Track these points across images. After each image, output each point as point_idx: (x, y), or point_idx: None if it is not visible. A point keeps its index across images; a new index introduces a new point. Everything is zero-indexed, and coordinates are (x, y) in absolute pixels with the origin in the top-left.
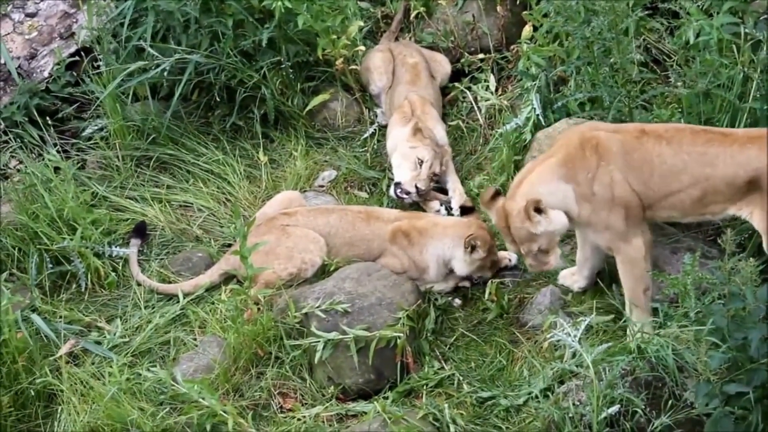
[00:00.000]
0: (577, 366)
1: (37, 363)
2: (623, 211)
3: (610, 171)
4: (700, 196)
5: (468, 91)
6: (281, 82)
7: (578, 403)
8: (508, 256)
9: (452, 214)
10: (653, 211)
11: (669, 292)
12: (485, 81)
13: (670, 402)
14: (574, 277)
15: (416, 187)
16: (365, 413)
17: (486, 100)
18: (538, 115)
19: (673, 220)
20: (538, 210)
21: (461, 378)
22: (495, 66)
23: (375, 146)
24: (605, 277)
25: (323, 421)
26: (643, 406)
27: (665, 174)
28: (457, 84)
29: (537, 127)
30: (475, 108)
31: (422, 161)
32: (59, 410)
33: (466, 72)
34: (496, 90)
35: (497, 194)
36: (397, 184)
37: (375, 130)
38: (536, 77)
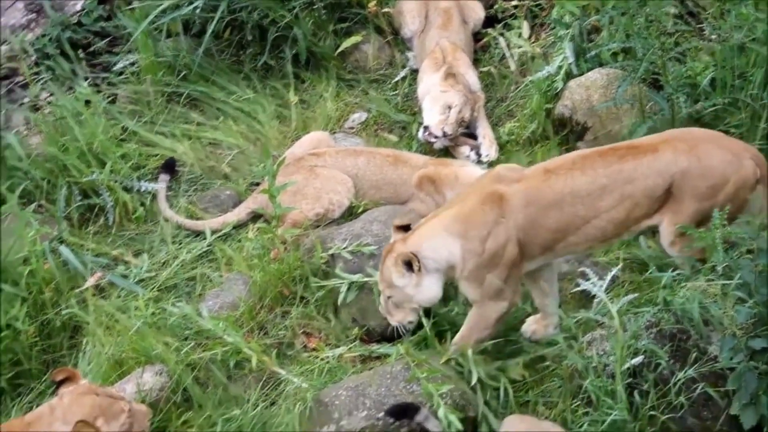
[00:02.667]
0: (602, 316)
1: (63, 294)
2: (506, 272)
3: (507, 228)
4: (623, 217)
5: (501, 38)
6: (313, 22)
7: (602, 353)
8: None
9: (481, 161)
10: (564, 247)
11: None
12: (518, 28)
13: (694, 355)
14: (542, 323)
15: (443, 131)
16: (388, 355)
17: (518, 47)
18: (570, 63)
19: (585, 252)
20: (410, 265)
21: None
22: (529, 13)
23: (406, 90)
24: None
25: (346, 362)
26: (667, 358)
27: (581, 205)
28: (490, 30)
29: (569, 75)
30: (507, 55)
31: (451, 106)
32: (84, 342)
33: (499, 18)
34: (529, 37)
35: (406, 228)
36: (426, 128)
37: (406, 73)
38: (570, 26)
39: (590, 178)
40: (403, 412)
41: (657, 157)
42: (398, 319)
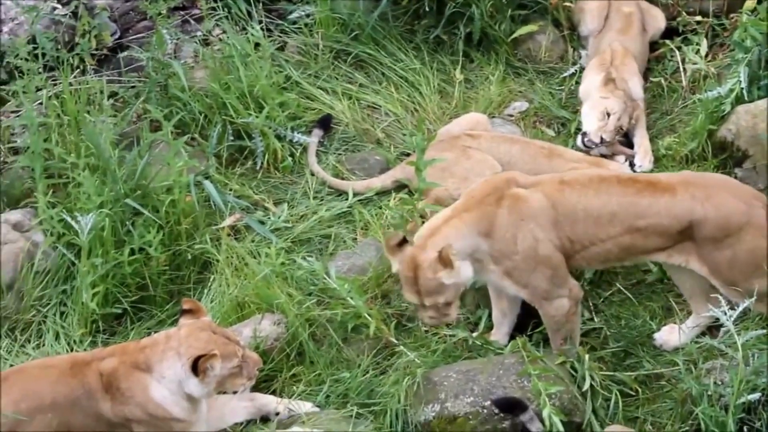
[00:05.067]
0: (726, 346)
1: (199, 229)
2: (548, 272)
3: (531, 230)
4: (628, 245)
5: (677, 51)
6: (492, 4)
7: (720, 383)
8: None
9: (635, 170)
10: (573, 261)
11: None
12: (697, 44)
13: None
14: (493, 337)
15: (601, 138)
16: (504, 347)
17: (693, 64)
18: (742, 88)
19: (593, 269)
20: (445, 263)
21: (608, 333)
22: (710, 31)
23: (572, 87)
24: None
25: (462, 346)
26: None
27: (592, 225)
28: (667, 41)
29: (739, 100)
30: (681, 69)
31: (610, 113)
32: (211, 279)
33: (680, 31)
34: (706, 55)
35: (404, 242)
36: (584, 134)
37: (576, 71)
38: (749, 50)
39: (603, 201)
40: (511, 406)
41: (674, 200)
42: (454, 314)
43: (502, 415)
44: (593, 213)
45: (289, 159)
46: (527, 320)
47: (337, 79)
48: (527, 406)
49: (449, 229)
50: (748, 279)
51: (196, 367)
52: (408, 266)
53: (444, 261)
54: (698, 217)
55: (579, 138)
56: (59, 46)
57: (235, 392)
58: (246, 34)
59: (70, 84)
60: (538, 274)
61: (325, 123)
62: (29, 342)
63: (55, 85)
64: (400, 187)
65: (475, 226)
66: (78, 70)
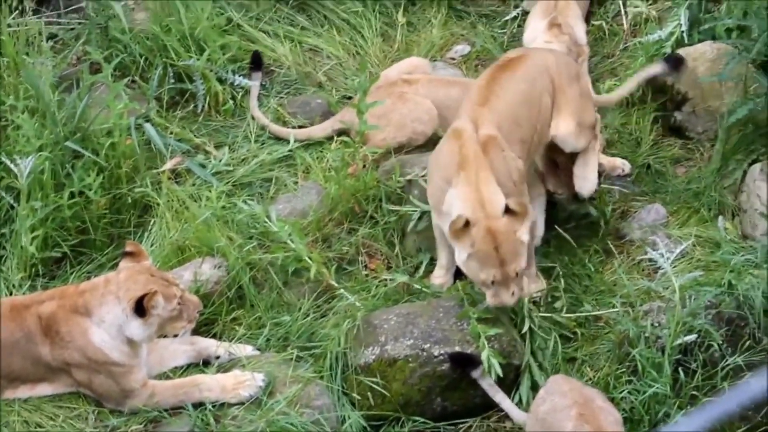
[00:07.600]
0: (664, 288)
1: (140, 173)
2: (524, 186)
3: (509, 156)
4: (547, 118)
5: None
6: None
7: (657, 325)
8: (621, 165)
9: None
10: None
11: None
12: None
13: (748, 343)
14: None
15: None
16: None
17: (635, 7)
18: (683, 32)
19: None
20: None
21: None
22: None
23: (514, 30)
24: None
25: (402, 289)
26: (721, 341)
27: (526, 110)
28: None
29: (679, 43)
30: (622, 12)
31: None
32: (152, 222)
33: None
34: None
35: (468, 223)
36: None
37: (518, 14)
38: None
39: (513, 85)
40: (463, 361)
41: (533, 59)
42: (527, 287)
43: (442, 358)
44: (518, 98)
45: (231, 102)
46: None
47: (279, 21)
48: (480, 363)
49: (487, 191)
50: (586, 110)
51: (140, 308)
52: (486, 240)
53: (516, 214)
54: (552, 61)
55: None
56: None
57: (175, 336)
58: None
59: (9, 25)
60: (523, 192)
61: (257, 61)
62: None
63: None
64: (342, 132)
65: (494, 179)
66: (17, 11)
